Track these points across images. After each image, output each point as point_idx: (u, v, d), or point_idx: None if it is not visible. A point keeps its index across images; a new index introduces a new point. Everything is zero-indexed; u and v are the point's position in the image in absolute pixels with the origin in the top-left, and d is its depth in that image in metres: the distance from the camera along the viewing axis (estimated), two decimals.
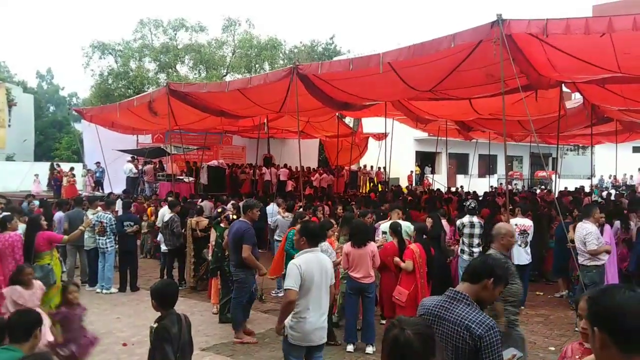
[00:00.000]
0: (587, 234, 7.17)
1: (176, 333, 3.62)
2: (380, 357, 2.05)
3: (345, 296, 6.81)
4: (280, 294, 8.61)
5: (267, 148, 21.74)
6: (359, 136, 22.58)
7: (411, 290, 6.42)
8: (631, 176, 29.17)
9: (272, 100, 11.66)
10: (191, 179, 17.75)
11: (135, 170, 18.63)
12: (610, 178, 29.38)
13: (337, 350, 6.48)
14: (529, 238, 8.55)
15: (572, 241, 7.74)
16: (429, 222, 8.18)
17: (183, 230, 9.74)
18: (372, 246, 6.51)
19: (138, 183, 18.67)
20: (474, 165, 24.78)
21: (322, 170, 22.69)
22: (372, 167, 25.10)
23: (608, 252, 7.40)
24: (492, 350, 2.48)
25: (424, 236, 7.02)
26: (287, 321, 4.26)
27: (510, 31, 7.07)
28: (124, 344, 6.59)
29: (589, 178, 21.89)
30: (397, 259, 6.67)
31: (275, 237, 10.25)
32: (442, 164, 29.57)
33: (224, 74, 33.52)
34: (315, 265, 4.31)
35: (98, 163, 19.21)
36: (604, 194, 21.20)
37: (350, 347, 6.38)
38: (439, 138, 19.88)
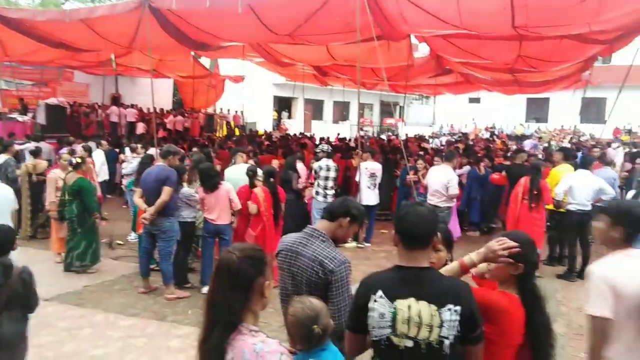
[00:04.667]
0: (450, 179, 7.92)
1: None
2: None
3: (201, 239, 6.78)
4: (135, 240, 8.30)
5: (115, 87, 20.21)
6: (216, 78, 21.90)
7: (258, 232, 6.58)
8: (466, 125, 32.27)
9: (121, 34, 10.76)
10: (26, 117, 15.95)
11: None
12: (448, 126, 32.27)
13: (192, 292, 6.48)
14: (378, 180, 9.12)
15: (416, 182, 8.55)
16: (275, 164, 8.40)
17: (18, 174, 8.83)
18: (226, 187, 6.49)
19: None
20: (328, 111, 25.51)
21: (177, 112, 21.79)
22: (229, 110, 24.66)
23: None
24: (342, 283, 2.66)
25: (272, 179, 7.12)
26: None
27: None
28: None
29: (430, 126, 23.78)
30: (249, 202, 6.74)
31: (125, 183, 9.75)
32: (299, 109, 30.01)
33: (63, 1, 30.07)
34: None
35: None
36: (443, 140, 23.24)
37: (205, 289, 6.37)
38: (296, 83, 20.05)
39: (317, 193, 8.76)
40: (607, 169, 9.79)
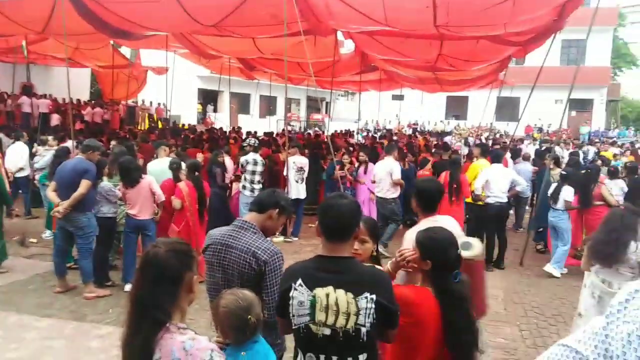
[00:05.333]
0: (393, 167, 8.25)
1: None
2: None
3: (123, 235, 6.53)
4: (50, 237, 7.86)
5: (27, 75, 18.97)
6: (137, 69, 21.08)
7: (181, 227, 6.44)
8: (390, 121, 33.07)
9: (34, 19, 10.10)
10: None
11: None
12: (373, 122, 32.93)
13: (113, 290, 6.23)
14: (305, 175, 9.18)
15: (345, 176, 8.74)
16: (200, 157, 8.31)
17: None
18: (147, 180, 6.29)
19: None
20: (255, 105, 25.29)
21: (95, 104, 20.81)
22: (151, 102, 23.86)
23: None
24: (275, 274, 2.66)
25: (196, 173, 6.96)
26: None
27: None
28: None
29: (356, 122, 24.13)
30: (173, 197, 6.57)
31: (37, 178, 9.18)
32: (225, 103, 29.53)
33: None
34: None
35: None
36: (371, 135, 23.70)
37: (128, 287, 6.15)
38: (222, 76, 19.69)
39: (244, 187, 8.68)
40: (526, 164, 10.49)
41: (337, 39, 11.69)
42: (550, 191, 7.81)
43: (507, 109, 26.56)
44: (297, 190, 9.00)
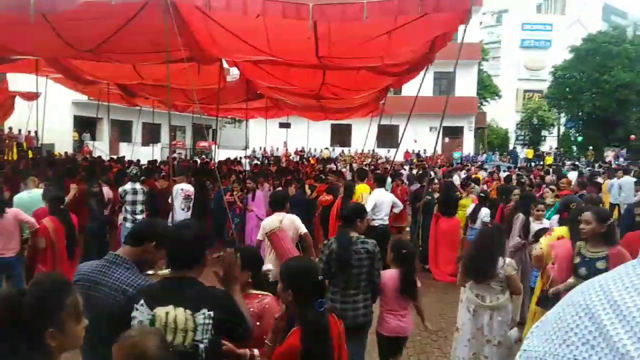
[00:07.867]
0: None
1: None
2: None
3: None
4: None
5: None
6: (4, 94, 19.40)
7: (49, 267, 5.93)
8: (277, 148, 33.38)
9: None
10: None
11: None
12: (261, 150, 33.02)
13: None
14: (191, 203, 8.95)
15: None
16: (74, 188, 7.92)
17: None
18: (13, 212, 5.76)
19: None
20: (137, 133, 24.34)
21: None
22: (20, 130, 22.06)
23: None
24: None
25: (62, 206, 6.47)
26: None
27: None
28: None
29: (244, 149, 24.05)
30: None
31: None
32: (104, 130, 28.07)
33: None
34: None
35: None
36: (255, 162, 23.71)
37: None
38: (101, 102, 18.74)
39: (125, 219, 8.25)
40: (417, 185, 11.29)
41: (222, 66, 11.63)
42: (469, 211, 8.55)
43: (387, 136, 27.98)
44: (182, 219, 8.73)
